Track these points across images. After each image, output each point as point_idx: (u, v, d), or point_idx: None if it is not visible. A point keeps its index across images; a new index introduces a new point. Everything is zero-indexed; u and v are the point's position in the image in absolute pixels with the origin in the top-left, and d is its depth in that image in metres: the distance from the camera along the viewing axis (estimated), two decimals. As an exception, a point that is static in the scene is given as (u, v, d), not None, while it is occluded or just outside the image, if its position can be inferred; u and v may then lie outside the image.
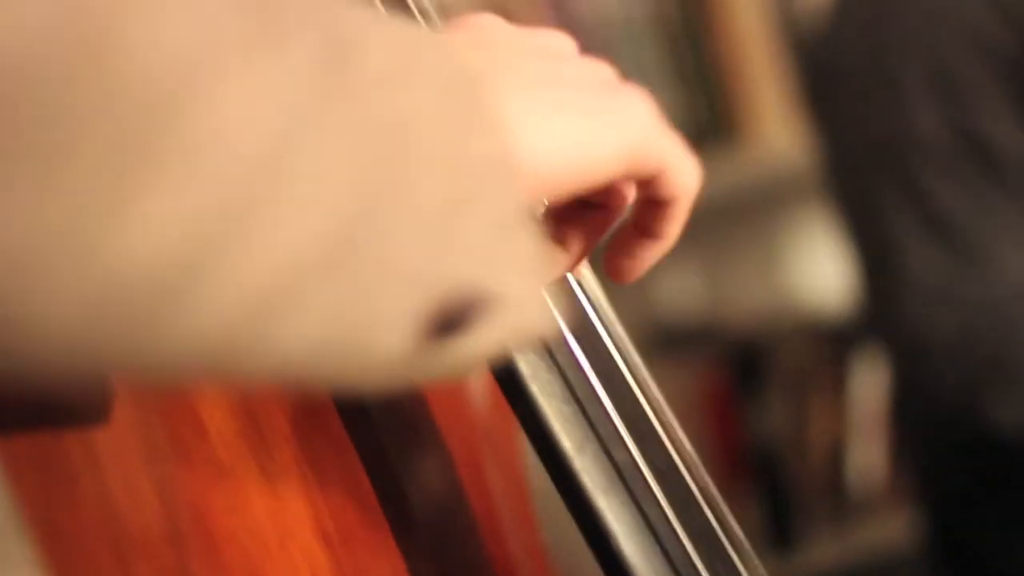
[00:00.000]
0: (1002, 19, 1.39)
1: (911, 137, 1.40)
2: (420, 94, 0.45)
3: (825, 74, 1.54)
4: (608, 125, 0.56)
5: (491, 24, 0.60)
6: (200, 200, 0.36)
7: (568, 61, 0.59)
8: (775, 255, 2.57)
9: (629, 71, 2.22)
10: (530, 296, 0.49)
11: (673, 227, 0.60)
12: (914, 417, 1.54)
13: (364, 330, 0.43)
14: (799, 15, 2.42)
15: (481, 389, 0.71)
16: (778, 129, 2.38)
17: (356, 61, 0.43)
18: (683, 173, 0.59)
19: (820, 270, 2.48)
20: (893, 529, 2.23)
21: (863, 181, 1.47)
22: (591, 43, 2.34)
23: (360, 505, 0.59)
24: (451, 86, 0.48)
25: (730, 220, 2.50)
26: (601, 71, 0.60)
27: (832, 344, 2.39)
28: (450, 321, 0.45)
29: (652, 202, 0.59)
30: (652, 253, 0.61)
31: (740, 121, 2.40)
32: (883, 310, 1.47)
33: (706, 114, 2.39)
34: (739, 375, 2.36)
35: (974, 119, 1.39)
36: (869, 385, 2.35)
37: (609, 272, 0.63)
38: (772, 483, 2.36)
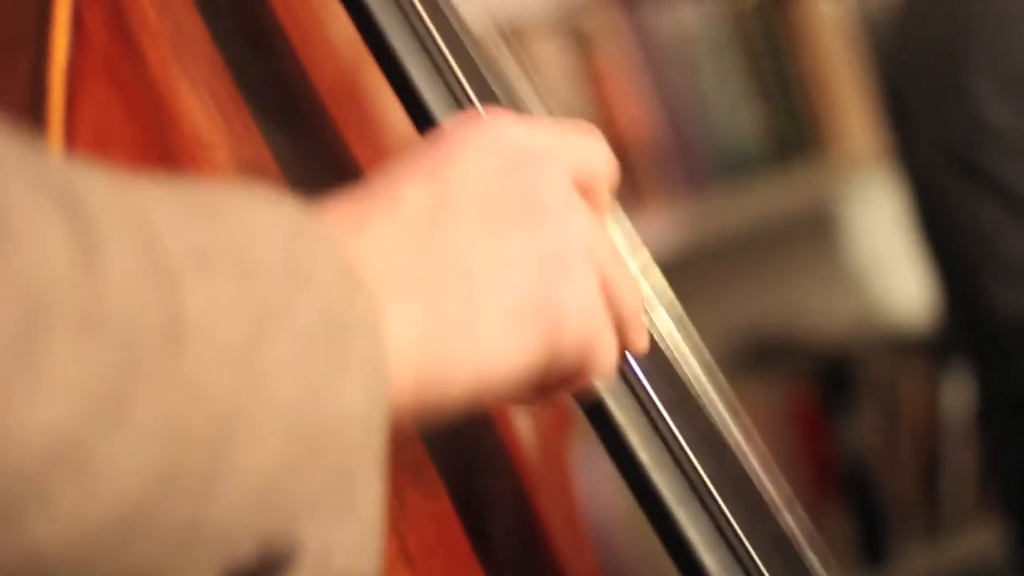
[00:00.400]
0: None
1: (988, 130, 1.41)
2: (282, 343, 0.42)
3: (898, 78, 1.54)
4: (531, 330, 0.50)
5: (458, 146, 0.53)
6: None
7: (528, 219, 0.52)
8: (860, 268, 2.55)
9: (710, 86, 2.18)
10: (354, 550, 0.45)
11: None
12: (1008, 414, 1.53)
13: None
14: (879, 25, 2.41)
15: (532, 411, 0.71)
16: (860, 141, 2.37)
17: (193, 338, 0.39)
18: (602, 372, 0.54)
19: (905, 281, 2.46)
20: (986, 542, 2.21)
21: (944, 182, 1.47)
22: (669, 62, 2.34)
23: (440, 525, 0.59)
24: (333, 327, 0.43)
25: (813, 232, 2.49)
26: (554, 237, 0.52)
27: (920, 356, 2.37)
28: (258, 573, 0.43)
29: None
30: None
31: (822, 133, 2.40)
32: (979, 302, 1.46)
33: (788, 127, 2.38)
34: (827, 390, 2.35)
35: None
36: (959, 396, 2.33)
37: None
38: (864, 498, 2.34)
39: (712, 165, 2.29)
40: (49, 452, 0.36)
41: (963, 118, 1.44)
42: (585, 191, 0.55)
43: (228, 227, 0.42)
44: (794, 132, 2.38)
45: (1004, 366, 1.46)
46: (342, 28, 0.63)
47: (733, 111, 2.34)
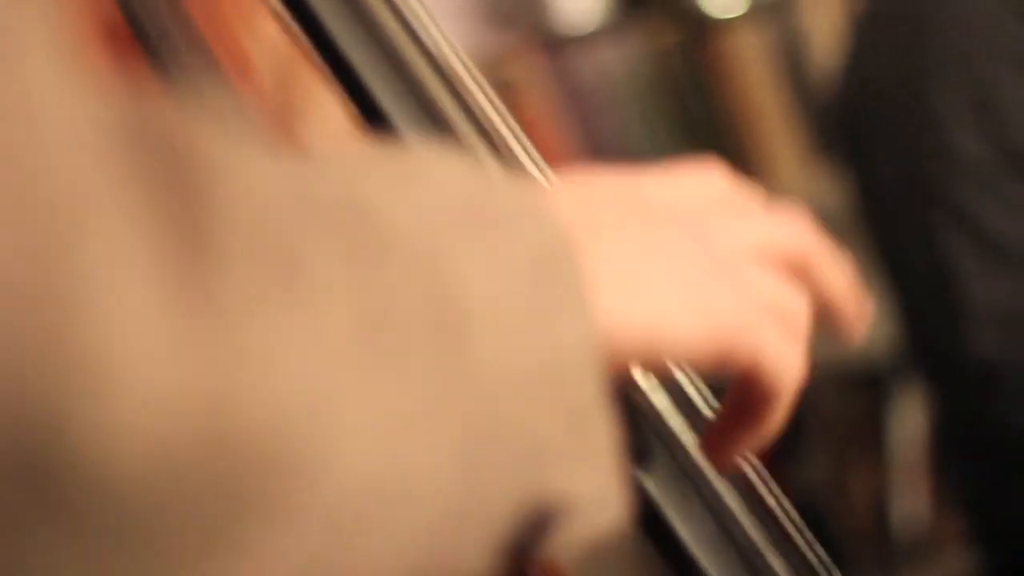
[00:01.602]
0: None
1: (954, 161, 1.38)
2: (508, 273, 0.43)
3: (856, 106, 1.51)
4: (701, 309, 0.52)
5: (605, 178, 0.56)
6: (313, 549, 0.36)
7: (685, 226, 0.54)
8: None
9: (637, 127, 2.16)
10: (605, 495, 0.47)
11: (771, 419, 0.56)
12: (981, 449, 1.51)
13: (445, 562, 0.42)
14: (805, 61, 2.40)
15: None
16: (791, 176, 2.35)
17: (465, 334, 0.41)
18: (782, 370, 0.54)
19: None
20: (940, 574, 2.19)
21: (909, 213, 1.44)
22: (594, 105, 2.32)
23: None
24: (541, 261, 0.45)
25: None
26: (720, 250, 0.55)
27: (869, 390, 2.36)
28: (528, 538, 0.45)
29: (750, 390, 0.55)
30: (750, 442, 0.57)
31: (751, 171, 2.38)
32: (945, 342, 1.43)
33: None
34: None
35: (1017, 137, 1.38)
36: (909, 430, 2.31)
37: (708, 460, 0.60)
38: (816, 535, 2.32)
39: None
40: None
41: (929, 147, 1.41)
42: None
43: (448, 191, 0.44)
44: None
45: (970, 402, 1.44)
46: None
47: (661, 150, 2.32)
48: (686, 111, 2.36)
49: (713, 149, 2.35)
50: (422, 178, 0.44)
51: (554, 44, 2.38)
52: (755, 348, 0.53)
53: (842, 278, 0.58)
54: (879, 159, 1.47)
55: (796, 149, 2.31)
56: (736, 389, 0.55)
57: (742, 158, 2.37)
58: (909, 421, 2.30)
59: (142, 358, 0.31)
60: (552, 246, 0.45)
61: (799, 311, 0.55)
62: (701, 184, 0.58)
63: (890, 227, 1.49)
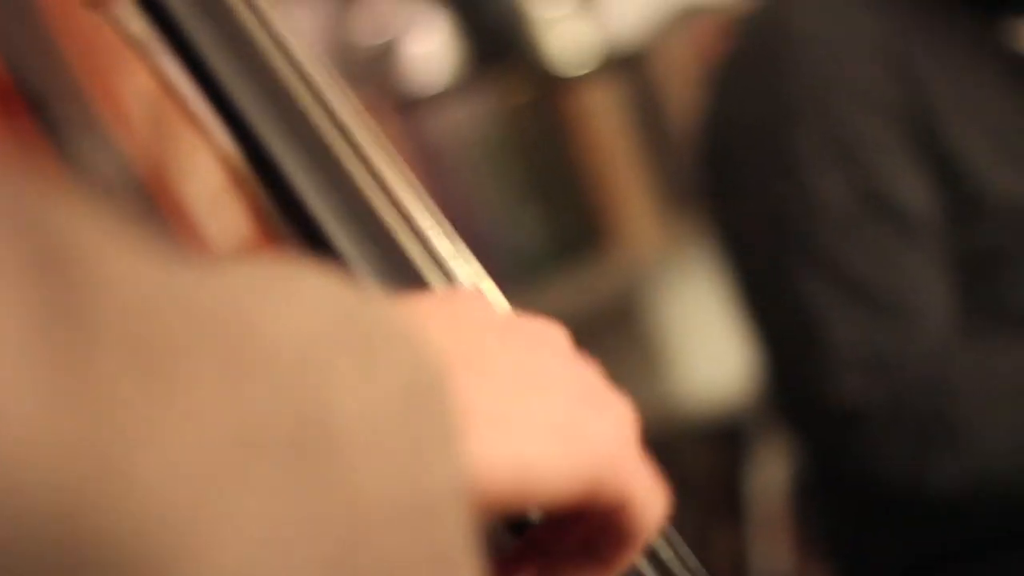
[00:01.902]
0: (889, 74, 1.40)
1: (813, 204, 1.39)
2: (380, 401, 0.42)
3: (717, 151, 1.51)
4: (573, 448, 0.50)
5: (468, 301, 0.55)
6: None
7: (549, 357, 0.53)
8: (658, 358, 2.53)
9: (491, 187, 2.13)
10: None
11: (623, 559, 0.54)
12: (845, 497, 1.50)
13: None
14: (660, 115, 2.40)
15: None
16: (647, 230, 2.35)
17: (330, 446, 0.40)
18: (647, 508, 0.53)
19: (708, 367, 2.45)
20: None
21: (770, 257, 1.44)
22: (445, 164, 2.30)
23: None
24: (414, 392, 0.43)
25: (608, 327, 2.46)
26: (585, 375, 0.54)
27: (728, 444, 2.36)
28: None
29: (606, 526, 0.53)
30: None
31: (608, 226, 2.37)
32: (809, 387, 1.43)
33: (570, 226, 2.36)
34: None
35: (875, 179, 1.39)
36: (770, 483, 2.31)
37: None
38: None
39: (498, 267, 2.25)
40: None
41: (789, 190, 1.41)
42: None
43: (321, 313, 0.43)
44: (577, 230, 2.35)
45: (835, 448, 1.43)
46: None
47: (516, 210, 2.31)
48: (540, 169, 2.35)
49: (568, 207, 2.34)
50: (300, 295, 0.43)
51: (405, 104, 2.36)
52: (625, 484, 0.52)
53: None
54: (741, 204, 1.47)
55: (652, 204, 2.31)
56: (588, 527, 0.53)
57: (597, 215, 2.37)
58: (770, 474, 2.30)
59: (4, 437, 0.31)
60: (425, 377, 0.44)
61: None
62: (560, 332, 0.56)
63: (753, 273, 1.49)
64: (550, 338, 0.54)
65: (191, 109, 0.62)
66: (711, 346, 2.17)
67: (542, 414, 0.50)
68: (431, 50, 2.40)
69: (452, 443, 0.44)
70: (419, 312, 0.51)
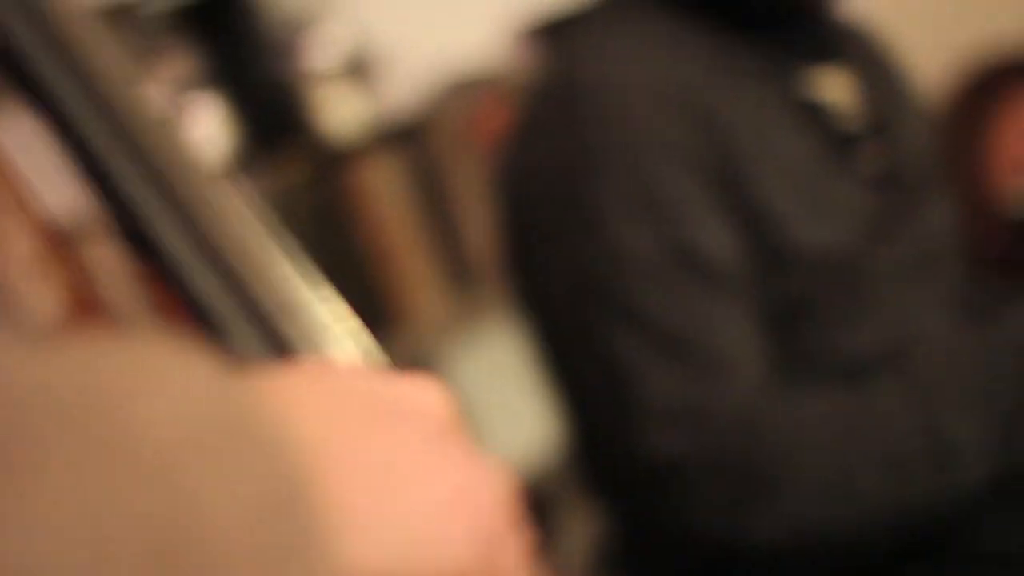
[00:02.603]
0: (691, 124, 1.40)
1: (622, 259, 1.39)
2: (243, 505, 0.40)
3: (522, 211, 1.50)
4: (436, 552, 0.50)
5: (340, 378, 0.54)
6: None
7: (419, 444, 0.53)
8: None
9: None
10: None
11: None
12: (660, 556, 1.50)
13: None
14: (437, 189, 2.40)
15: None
16: (434, 304, 2.34)
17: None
18: None
19: (504, 440, 2.44)
20: None
21: (577, 313, 1.43)
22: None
23: None
24: (280, 495, 0.42)
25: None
26: (452, 465, 0.53)
27: (528, 513, 2.34)
28: None
29: None
30: None
31: (393, 304, 2.36)
32: (623, 443, 1.42)
33: (355, 304, 2.33)
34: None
35: (681, 230, 1.39)
36: (576, 547, 2.31)
37: None
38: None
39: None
40: None
41: (601, 243, 1.40)
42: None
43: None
44: (365, 305, 2.33)
45: (651, 504, 1.42)
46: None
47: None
48: (322, 248, 2.33)
49: (352, 285, 2.32)
50: (165, 387, 0.41)
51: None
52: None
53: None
54: (547, 262, 1.46)
55: (437, 277, 2.30)
56: None
57: (382, 292, 2.35)
58: (574, 541, 2.29)
59: None
60: (287, 487, 0.43)
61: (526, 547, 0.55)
62: (434, 397, 0.56)
63: (560, 331, 1.48)
64: (423, 414, 0.53)
65: (8, 173, 0.59)
66: (509, 416, 2.16)
67: (410, 515, 0.49)
68: (206, 134, 2.37)
69: (314, 555, 0.43)
70: (289, 398, 0.50)
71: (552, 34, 2.49)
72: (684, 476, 1.37)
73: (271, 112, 2.39)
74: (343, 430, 0.50)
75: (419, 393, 0.54)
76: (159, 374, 0.41)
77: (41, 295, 0.61)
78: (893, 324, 1.47)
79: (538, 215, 1.46)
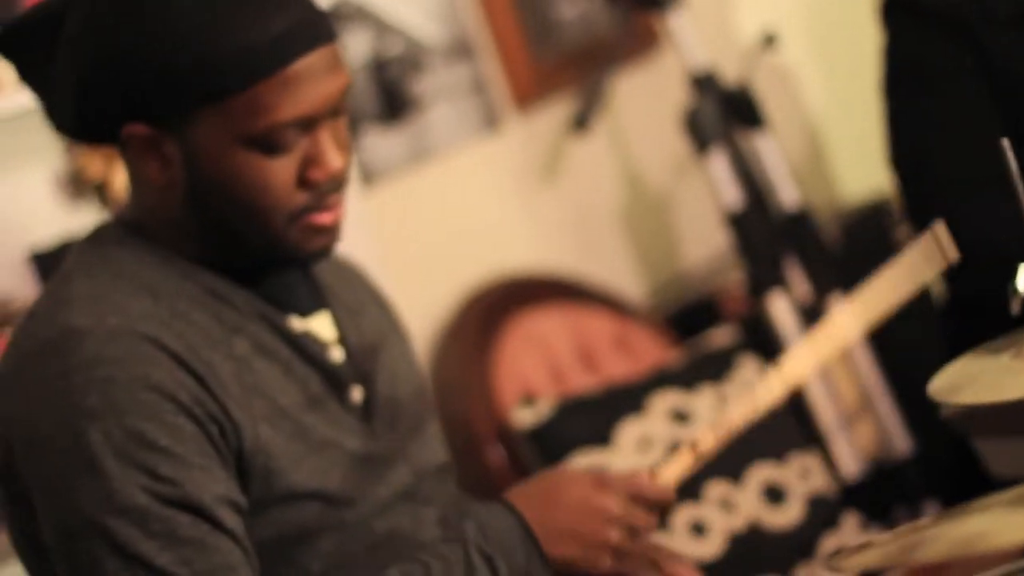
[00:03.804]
0: (178, 367, 1.40)
1: (117, 506, 1.37)
2: None
3: (15, 449, 1.43)
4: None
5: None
6: None
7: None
8: None
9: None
10: None
11: None
12: None
13: None
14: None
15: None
16: None
17: None
18: None
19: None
20: None
21: (75, 561, 1.40)
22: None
23: None
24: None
25: None
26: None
27: None
28: None
29: None
30: None
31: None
32: None
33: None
34: None
35: (171, 472, 1.39)
36: None
37: None
38: None
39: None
40: None
41: (97, 490, 1.38)
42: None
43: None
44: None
45: None
46: None
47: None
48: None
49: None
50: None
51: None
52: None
53: None
54: (42, 511, 1.43)
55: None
56: None
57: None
58: None
59: None
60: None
61: None
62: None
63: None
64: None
65: None
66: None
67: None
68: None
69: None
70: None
71: (50, 263, 2.28)
72: None
73: None
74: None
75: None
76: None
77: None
78: (393, 554, 1.50)
79: (32, 462, 1.42)
